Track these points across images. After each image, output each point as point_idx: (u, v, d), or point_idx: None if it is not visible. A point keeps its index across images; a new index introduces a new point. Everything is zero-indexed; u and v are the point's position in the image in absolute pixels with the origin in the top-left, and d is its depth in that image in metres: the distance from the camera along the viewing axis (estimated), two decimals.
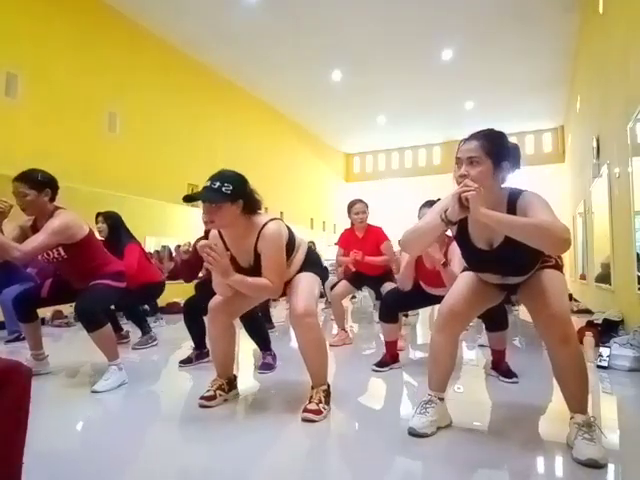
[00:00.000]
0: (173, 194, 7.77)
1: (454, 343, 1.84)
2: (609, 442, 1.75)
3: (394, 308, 3.00)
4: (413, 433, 1.75)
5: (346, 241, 3.96)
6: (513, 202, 1.65)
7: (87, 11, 6.29)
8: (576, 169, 8.97)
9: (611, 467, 1.50)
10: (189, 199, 1.86)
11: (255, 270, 1.99)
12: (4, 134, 5.21)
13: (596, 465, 1.46)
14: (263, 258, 1.96)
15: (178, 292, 7.05)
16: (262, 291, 1.97)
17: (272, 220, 1.98)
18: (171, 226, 7.60)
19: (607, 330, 3.77)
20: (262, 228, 1.95)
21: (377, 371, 2.86)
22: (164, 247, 7.60)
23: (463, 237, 1.78)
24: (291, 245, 2.07)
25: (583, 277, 7.88)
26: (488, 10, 6.82)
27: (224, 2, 6.60)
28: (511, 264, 1.71)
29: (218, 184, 1.85)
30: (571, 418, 1.64)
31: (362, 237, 3.87)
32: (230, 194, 1.85)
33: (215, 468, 1.53)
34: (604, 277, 5.50)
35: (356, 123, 12.17)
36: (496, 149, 1.64)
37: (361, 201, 3.93)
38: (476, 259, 1.81)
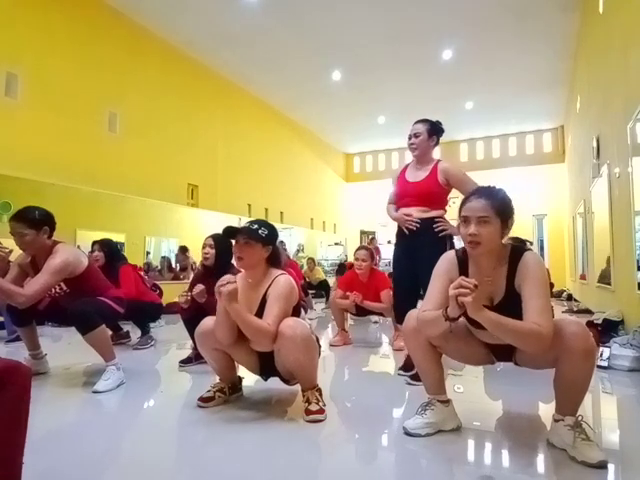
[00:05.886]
0: (173, 194, 7.79)
1: (428, 348, 1.78)
2: (609, 442, 1.75)
3: (406, 307, 2.93)
4: (406, 433, 1.76)
5: (348, 284, 3.94)
6: (515, 262, 1.65)
7: (87, 11, 6.30)
8: (576, 169, 8.97)
9: (611, 467, 1.50)
10: (230, 233, 2.05)
11: None
12: (4, 134, 5.21)
13: (605, 466, 1.47)
14: (269, 302, 1.98)
15: (178, 292, 7.05)
16: (258, 331, 1.91)
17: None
18: (171, 226, 7.60)
19: (607, 330, 3.77)
20: (277, 276, 2.06)
21: (403, 375, 2.70)
22: (163, 257, 7.60)
23: None
24: (298, 308, 2.14)
25: (583, 277, 7.88)
26: (488, 10, 6.82)
27: (224, 2, 6.61)
28: None
29: (256, 226, 2.05)
30: (557, 420, 1.63)
31: (365, 282, 3.88)
32: (264, 237, 2.04)
33: (215, 468, 1.53)
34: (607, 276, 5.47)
35: (356, 123, 12.17)
36: (503, 208, 1.64)
37: (366, 249, 3.97)
38: None
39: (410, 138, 2.79)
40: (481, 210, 1.61)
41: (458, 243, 2.27)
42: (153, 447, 1.73)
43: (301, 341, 1.90)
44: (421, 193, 2.72)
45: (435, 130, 2.78)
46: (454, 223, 2.66)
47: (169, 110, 7.77)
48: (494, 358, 1.87)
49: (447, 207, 2.83)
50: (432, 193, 2.72)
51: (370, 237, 12.15)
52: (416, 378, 2.40)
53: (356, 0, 6.58)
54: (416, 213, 2.71)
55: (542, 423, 1.97)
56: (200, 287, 2.82)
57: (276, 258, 2.12)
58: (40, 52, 5.68)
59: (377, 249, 10.28)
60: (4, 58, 5.28)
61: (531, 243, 2.13)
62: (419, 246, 2.66)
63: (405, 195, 2.79)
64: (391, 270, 3.10)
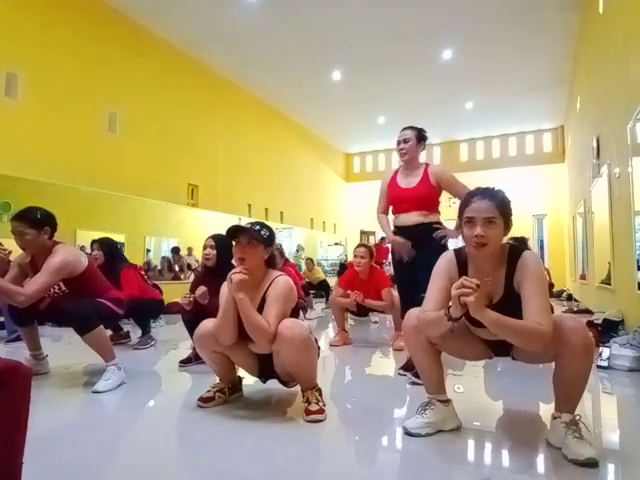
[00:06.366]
0: (173, 194, 7.79)
1: (428, 346, 1.78)
2: (609, 442, 1.75)
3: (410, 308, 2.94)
4: (406, 433, 1.76)
5: (349, 282, 3.96)
6: (513, 262, 1.65)
7: (87, 11, 6.30)
8: (576, 169, 8.97)
9: (611, 467, 1.50)
10: (233, 232, 2.02)
11: None
12: (4, 134, 5.21)
13: (594, 463, 1.46)
14: (268, 302, 1.98)
15: (178, 292, 7.06)
16: (258, 327, 1.91)
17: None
18: (171, 226, 7.60)
19: (607, 330, 3.77)
20: (276, 277, 2.07)
21: (403, 374, 2.69)
22: (163, 257, 7.62)
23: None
24: (297, 309, 2.15)
25: (583, 277, 7.88)
26: (488, 10, 6.82)
27: (224, 2, 6.61)
28: None
29: (258, 227, 2.06)
30: (555, 418, 1.64)
31: (366, 279, 3.90)
32: (266, 238, 2.05)
33: (215, 468, 1.53)
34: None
35: (356, 123, 12.17)
36: (505, 208, 1.65)
37: (365, 246, 4.00)
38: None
39: (399, 144, 2.88)
40: (488, 211, 1.60)
41: (452, 246, 2.28)
42: (153, 447, 1.73)
43: (300, 342, 1.90)
44: (418, 198, 2.78)
45: (422, 137, 2.91)
46: (450, 224, 2.69)
47: (169, 110, 7.77)
48: (492, 353, 1.88)
49: (447, 207, 2.86)
50: (428, 197, 2.79)
51: (381, 237, 12.18)
52: (418, 376, 2.40)
53: (356, 0, 6.58)
54: (418, 217, 2.76)
55: (542, 423, 1.97)
56: (203, 289, 2.82)
57: (273, 260, 2.15)
58: (40, 52, 5.68)
59: (387, 249, 10.28)
60: (4, 58, 5.28)
61: (528, 239, 2.14)
62: (419, 252, 2.70)
63: (402, 201, 2.85)
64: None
